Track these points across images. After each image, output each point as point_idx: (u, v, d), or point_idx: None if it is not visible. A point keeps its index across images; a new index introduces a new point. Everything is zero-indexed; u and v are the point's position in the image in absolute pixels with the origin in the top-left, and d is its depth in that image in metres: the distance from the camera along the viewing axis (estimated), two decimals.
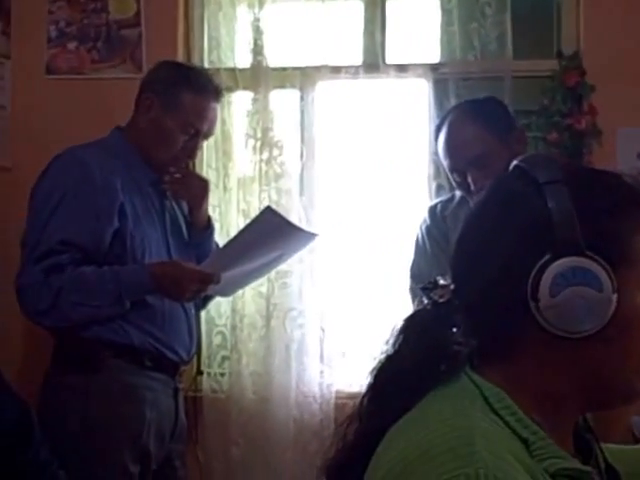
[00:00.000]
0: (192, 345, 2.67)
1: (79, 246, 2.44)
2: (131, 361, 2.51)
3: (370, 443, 1.05)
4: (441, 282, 1.09)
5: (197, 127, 2.61)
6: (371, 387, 1.10)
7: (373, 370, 1.10)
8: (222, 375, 3.23)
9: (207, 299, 2.83)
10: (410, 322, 1.10)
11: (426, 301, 1.09)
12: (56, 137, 2.99)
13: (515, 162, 1.09)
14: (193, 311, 2.68)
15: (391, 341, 1.10)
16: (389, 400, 1.06)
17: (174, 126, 2.59)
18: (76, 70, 3.26)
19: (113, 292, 2.44)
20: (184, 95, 2.60)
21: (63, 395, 2.49)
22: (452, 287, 1.08)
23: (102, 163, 2.53)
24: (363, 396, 1.11)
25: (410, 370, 1.06)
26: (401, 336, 1.09)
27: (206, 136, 2.69)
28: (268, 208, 2.67)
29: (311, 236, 2.74)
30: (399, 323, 1.11)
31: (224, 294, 2.76)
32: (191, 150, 2.65)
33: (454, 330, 1.07)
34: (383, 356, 1.10)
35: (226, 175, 3.20)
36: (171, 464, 2.66)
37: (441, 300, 1.08)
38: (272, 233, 2.56)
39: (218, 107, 2.72)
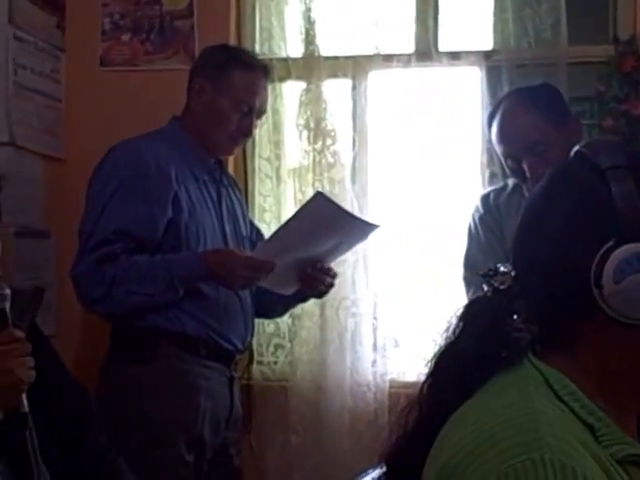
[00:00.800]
0: (248, 335, 2.68)
1: (133, 235, 2.47)
2: (186, 349, 2.53)
3: (431, 430, 1.05)
4: (501, 269, 1.08)
5: (249, 103, 2.64)
6: (431, 374, 1.10)
7: (433, 357, 1.10)
8: (275, 363, 3.24)
9: (288, 304, 2.83)
10: (470, 309, 1.09)
11: (486, 288, 1.09)
12: (110, 129, 3.02)
13: (577, 148, 1.08)
14: (250, 301, 2.68)
15: (451, 328, 1.09)
16: (450, 387, 1.06)
17: (227, 105, 2.62)
18: (130, 62, 3.28)
19: (165, 279, 2.46)
20: (233, 73, 2.64)
21: (119, 383, 2.52)
22: (513, 274, 1.07)
23: (157, 153, 2.56)
24: (423, 383, 1.11)
25: (471, 357, 1.05)
26: (461, 323, 1.09)
27: (259, 114, 2.71)
28: (319, 193, 2.61)
29: (370, 227, 2.66)
30: (459, 310, 1.10)
31: (284, 290, 2.69)
32: (246, 128, 2.67)
33: (515, 317, 1.07)
34: (443, 343, 1.10)
35: (279, 166, 3.21)
36: (226, 452, 2.67)
37: (501, 287, 1.07)
38: (323, 219, 2.50)
39: (268, 86, 2.76)
